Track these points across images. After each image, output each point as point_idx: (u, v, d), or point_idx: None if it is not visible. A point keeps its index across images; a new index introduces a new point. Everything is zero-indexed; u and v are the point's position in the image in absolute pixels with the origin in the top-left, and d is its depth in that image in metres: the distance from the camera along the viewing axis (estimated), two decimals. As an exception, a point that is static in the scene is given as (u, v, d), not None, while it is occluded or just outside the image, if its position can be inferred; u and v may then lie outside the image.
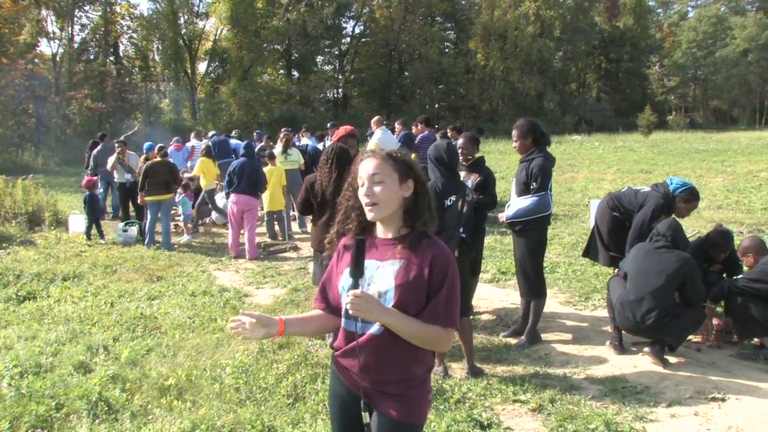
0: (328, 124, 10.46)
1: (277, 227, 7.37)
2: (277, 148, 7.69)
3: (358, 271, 1.41)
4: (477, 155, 4.02)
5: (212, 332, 3.89)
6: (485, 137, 23.03)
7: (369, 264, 1.42)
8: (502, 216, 3.63)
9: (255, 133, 9.25)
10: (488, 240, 6.22)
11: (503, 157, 16.16)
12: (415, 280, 1.36)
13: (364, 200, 1.42)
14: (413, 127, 7.64)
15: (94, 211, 7.19)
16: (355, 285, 1.39)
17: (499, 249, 6.17)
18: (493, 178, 4.02)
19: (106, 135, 9.20)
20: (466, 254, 3.12)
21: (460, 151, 3.71)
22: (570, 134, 25.30)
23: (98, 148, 8.97)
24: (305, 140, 9.16)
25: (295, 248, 6.72)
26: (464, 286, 2.98)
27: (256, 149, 8.02)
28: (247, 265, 6.04)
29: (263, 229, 7.66)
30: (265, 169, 7.00)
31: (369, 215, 1.42)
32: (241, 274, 5.70)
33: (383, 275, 1.40)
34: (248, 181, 6.24)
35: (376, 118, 7.40)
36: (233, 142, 10.35)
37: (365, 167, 1.44)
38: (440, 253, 1.38)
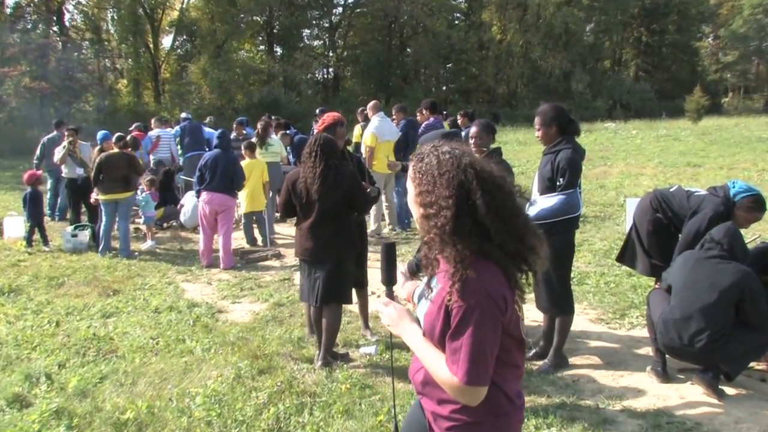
0: (317, 111, 10.48)
1: (257, 231, 7.42)
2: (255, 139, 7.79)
3: (388, 279, 1.46)
4: (492, 146, 4.05)
5: (179, 355, 3.88)
6: (501, 125, 23.15)
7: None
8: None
9: (236, 123, 9.25)
10: None
11: (523, 149, 16.23)
12: (438, 308, 1.36)
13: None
14: (418, 114, 7.68)
15: (37, 212, 7.16)
16: (389, 294, 1.49)
17: None
18: (512, 173, 4.01)
19: (63, 122, 9.17)
20: None
21: (472, 141, 3.76)
22: (602, 121, 25.36)
23: (48, 136, 8.98)
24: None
25: (278, 256, 6.73)
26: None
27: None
28: (221, 276, 6.05)
29: (240, 233, 7.70)
30: (244, 163, 7.04)
31: None
32: (214, 286, 5.71)
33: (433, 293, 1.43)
34: (223, 176, 6.25)
35: (372, 103, 7.40)
36: (206, 130, 10.38)
37: None
38: (467, 285, 1.34)
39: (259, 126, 7.84)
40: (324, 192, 3.44)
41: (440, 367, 1.34)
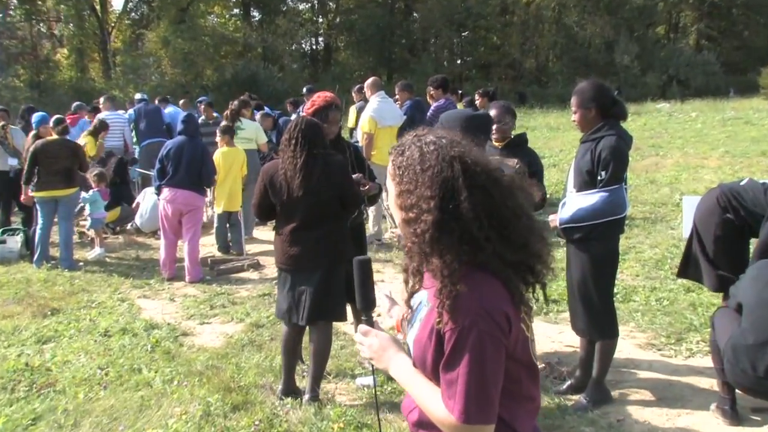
0: (304, 90, 10.53)
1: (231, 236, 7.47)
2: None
3: (365, 302, 1.47)
4: (515, 132, 4.04)
5: (134, 389, 3.91)
6: (529, 106, 23.25)
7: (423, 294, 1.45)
8: (554, 219, 3.68)
9: (204, 104, 9.31)
10: None
11: (555, 136, 16.27)
12: (428, 333, 1.37)
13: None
14: (428, 95, 7.73)
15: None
16: (368, 320, 1.50)
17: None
18: (540, 165, 4.01)
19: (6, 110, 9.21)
20: None
21: (494, 126, 3.82)
22: (654, 101, 25.32)
23: None
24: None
25: (257, 266, 6.78)
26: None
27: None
28: (187, 291, 6.08)
29: (210, 238, 7.75)
30: (220, 152, 7.10)
31: None
32: (178, 303, 5.74)
33: (419, 315, 1.45)
34: (188, 169, 6.30)
35: (371, 80, 7.43)
36: (168, 111, 10.47)
37: None
38: (461, 302, 1.35)
39: (231, 105, 7.92)
40: (309, 188, 3.48)
41: (435, 403, 1.33)
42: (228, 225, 7.44)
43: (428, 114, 7.42)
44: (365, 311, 1.50)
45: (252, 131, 7.87)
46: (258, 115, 9.20)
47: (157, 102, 11.05)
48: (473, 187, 1.34)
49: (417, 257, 1.38)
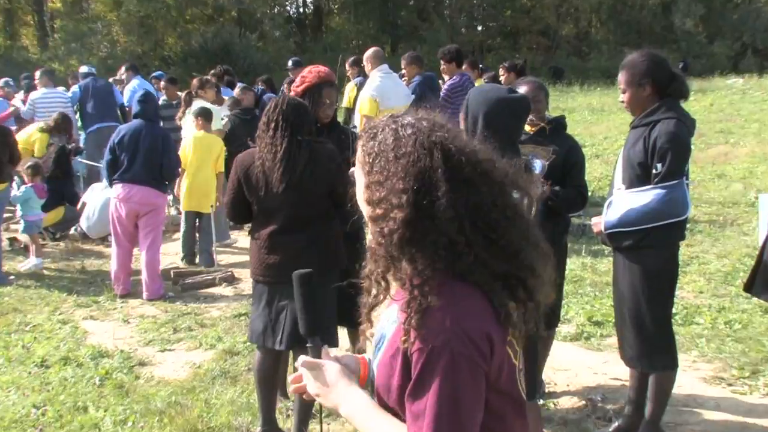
0: (289, 63, 10.56)
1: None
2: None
3: (308, 325, 1.48)
4: (551, 115, 4.05)
5: (78, 431, 3.92)
6: (566, 83, 23.22)
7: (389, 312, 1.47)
8: (598, 223, 3.71)
9: (165, 81, 9.35)
10: (571, 265, 6.27)
11: (598, 119, 16.29)
12: (392, 355, 1.38)
13: None
14: (442, 69, 7.77)
15: None
16: (313, 347, 1.49)
17: (589, 281, 6.22)
18: (581, 155, 4.03)
19: None
20: None
21: None
22: (724, 75, 25.21)
23: None
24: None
25: (230, 279, 6.82)
26: (531, 347, 3.02)
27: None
28: (144, 311, 6.09)
29: (174, 244, 7.73)
30: (189, 138, 7.11)
31: None
32: (133, 326, 5.76)
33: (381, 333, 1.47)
34: (147, 160, 6.33)
35: (371, 51, 7.45)
36: (133, 85, 10.35)
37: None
38: (431, 320, 1.33)
39: (193, 82, 8.01)
40: (291, 181, 3.52)
41: None
42: (196, 229, 7.48)
43: (443, 92, 7.44)
44: (309, 336, 1.50)
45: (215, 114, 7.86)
46: (237, 90, 9.18)
47: (122, 73, 11.02)
48: (455, 181, 1.34)
49: (383, 262, 1.38)
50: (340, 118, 7.96)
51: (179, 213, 8.02)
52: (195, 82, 8.24)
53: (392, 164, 1.37)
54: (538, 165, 3.70)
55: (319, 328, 1.50)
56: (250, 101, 8.75)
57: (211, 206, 7.33)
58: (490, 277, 1.35)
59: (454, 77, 7.53)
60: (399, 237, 1.34)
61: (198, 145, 7.14)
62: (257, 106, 8.68)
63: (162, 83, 9.53)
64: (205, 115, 7.29)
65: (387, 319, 1.44)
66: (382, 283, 1.40)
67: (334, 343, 3.78)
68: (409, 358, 1.31)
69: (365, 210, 1.43)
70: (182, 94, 7.95)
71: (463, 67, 8.22)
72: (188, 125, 7.72)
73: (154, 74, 10.56)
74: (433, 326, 1.29)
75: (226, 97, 8.88)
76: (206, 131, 7.28)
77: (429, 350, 1.28)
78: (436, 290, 1.31)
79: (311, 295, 1.48)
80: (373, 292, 1.42)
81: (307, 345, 1.54)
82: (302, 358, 1.50)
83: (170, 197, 7.79)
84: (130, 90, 10.28)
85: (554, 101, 16.81)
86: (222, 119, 8.08)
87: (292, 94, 4.08)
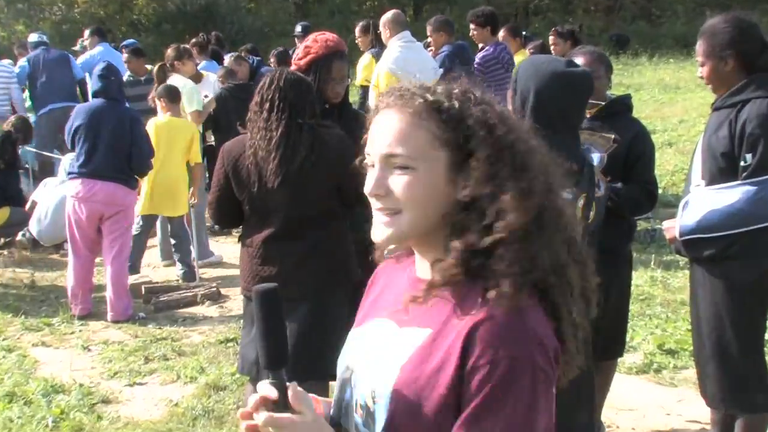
0: (298, 28, 10.57)
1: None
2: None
3: (270, 355, 1.47)
4: (612, 94, 4.09)
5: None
6: (631, 54, 22.95)
7: (372, 326, 1.59)
8: (671, 228, 3.72)
9: (128, 51, 9.40)
10: (637, 280, 6.21)
11: (672, 99, 16.14)
12: (431, 377, 1.43)
13: (371, 202, 1.57)
14: (473, 35, 7.83)
15: None
16: (276, 382, 1.48)
17: (659, 300, 6.22)
18: (649, 144, 4.05)
19: None
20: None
21: None
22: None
23: None
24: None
25: (215, 297, 6.86)
26: (585, 381, 3.00)
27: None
28: (109, 335, 6.11)
29: (149, 254, 7.74)
30: (151, 124, 7.10)
31: (376, 232, 1.56)
32: (95, 354, 5.78)
33: (385, 359, 1.51)
34: (111, 149, 6.33)
35: (390, 15, 7.47)
36: (82, 61, 10.43)
37: (378, 131, 1.55)
38: (508, 326, 1.40)
39: (168, 53, 8.04)
40: (290, 174, 3.53)
41: None
42: (147, 236, 7.52)
43: (477, 63, 7.52)
44: (271, 368, 1.49)
45: (185, 93, 7.82)
46: (228, 59, 9.19)
47: (84, 40, 11.08)
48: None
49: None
50: (353, 98, 8.03)
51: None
52: (170, 51, 8.21)
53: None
54: (596, 157, 3.71)
55: (283, 357, 1.49)
56: (244, 74, 8.69)
57: (191, 205, 7.38)
58: (545, 273, 1.45)
59: (488, 47, 7.58)
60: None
61: (161, 132, 7.04)
62: (252, 80, 8.68)
63: (124, 55, 9.44)
64: (169, 95, 7.23)
65: (416, 319, 1.51)
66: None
67: (328, 379, 3.74)
68: (468, 374, 1.37)
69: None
70: (155, 68, 7.94)
71: (500, 35, 8.24)
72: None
73: (125, 43, 10.49)
74: (508, 333, 1.37)
75: (206, 73, 8.87)
76: (173, 114, 7.24)
77: (508, 363, 1.35)
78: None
79: (272, 315, 1.49)
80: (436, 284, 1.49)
81: (268, 380, 1.50)
82: (257, 396, 1.49)
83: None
84: (85, 60, 10.33)
85: (617, 76, 16.33)
86: (205, 97, 8.08)
87: (293, 68, 4.10)
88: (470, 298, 1.44)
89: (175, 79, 7.76)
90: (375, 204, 1.53)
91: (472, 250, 1.45)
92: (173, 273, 7.57)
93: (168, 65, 7.98)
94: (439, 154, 1.48)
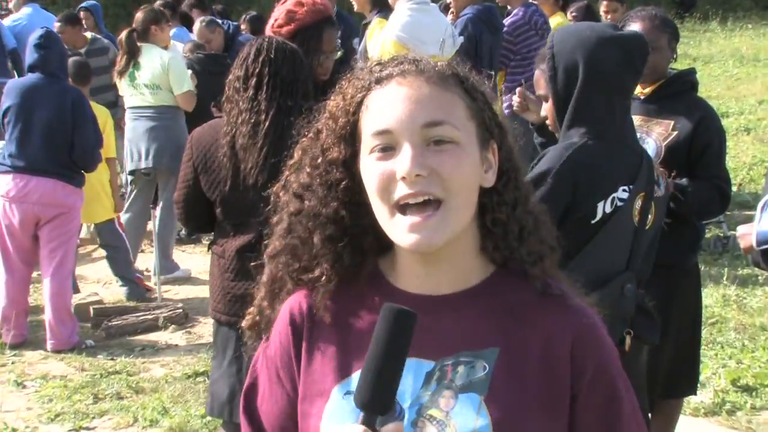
0: None
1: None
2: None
3: (375, 392, 1.45)
4: (674, 69, 4.19)
5: None
6: (697, 19, 22.70)
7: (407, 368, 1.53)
8: (746, 234, 3.69)
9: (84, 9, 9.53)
10: (707, 299, 6.19)
11: (750, 74, 16.18)
12: (533, 395, 1.56)
13: (403, 191, 1.54)
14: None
15: None
16: (368, 423, 1.46)
17: (733, 324, 6.25)
18: (719, 131, 4.15)
19: None
20: (647, 338, 3.40)
21: None
22: None
23: None
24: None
25: (181, 321, 6.98)
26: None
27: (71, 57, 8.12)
28: (49, 368, 6.21)
29: (97, 268, 7.96)
30: (97, 108, 7.22)
31: (416, 234, 1.54)
32: (31, 391, 5.85)
33: (460, 402, 1.56)
34: (49, 138, 6.46)
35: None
36: (23, 14, 10.60)
37: (399, 102, 1.57)
38: (588, 326, 1.63)
39: (138, 16, 8.06)
40: (277, 172, 3.52)
41: None
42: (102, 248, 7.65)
43: (506, 31, 7.66)
44: (370, 411, 1.47)
45: (156, 72, 7.93)
46: (199, 25, 9.21)
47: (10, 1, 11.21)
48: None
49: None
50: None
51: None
52: (141, 14, 8.14)
53: None
54: (651, 148, 3.83)
55: (390, 401, 1.48)
56: (219, 44, 8.70)
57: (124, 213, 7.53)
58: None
59: (516, 11, 7.71)
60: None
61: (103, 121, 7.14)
62: (227, 51, 8.75)
63: (57, 24, 9.29)
64: (78, 73, 7.28)
65: (452, 343, 1.59)
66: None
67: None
68: (578, 390, 1.57)
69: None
70: (122, 37, 7.94)
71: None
72: (127, 88, 7.91)
73: (83, 5, 10.61)
74: (601, 332, 1.64)
75: (173, 42, 8.84)
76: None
77: (617, 371, 1.62)
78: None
79: (398, 344, 1.45)
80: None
81: (361, 421, 1.48)
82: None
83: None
84: (11, 25, 10.45)
85: (681, 46, 15.87)
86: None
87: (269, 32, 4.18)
88: (513, 296, 1.61)
89: (149, 52, 7.87)
90: (403, 191, 1.52)
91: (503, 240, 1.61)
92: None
93: (139, 31, 7.93)
94: (472, 126, 1.58)
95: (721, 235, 7.59)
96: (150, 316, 6.96)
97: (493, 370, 1.55)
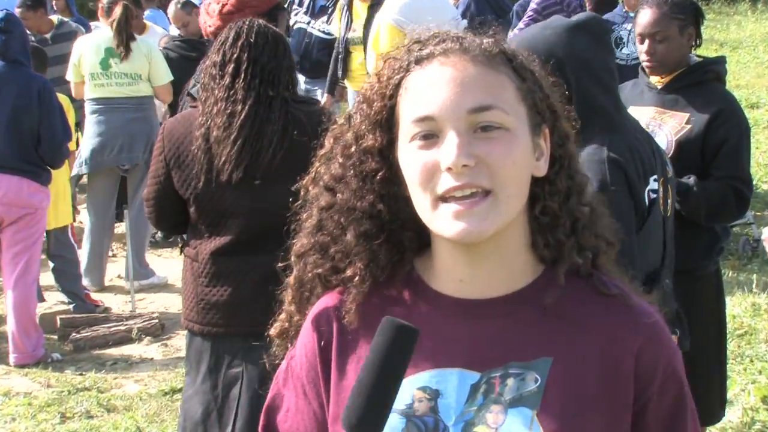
0: None
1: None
2: (87, 42, 7.90)
3: (364, 416, 1.41)
4: (697, 56, 4.10)
5: None
6: (725, 1, 22.93)
7: (446, 377, 1.56)
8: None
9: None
10: (734, 309, 6.28)
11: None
12: (592, 408, 1.53)
13: (448, 183, 1.51)
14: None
15: None
16: None
17: (764, 335, 6.20)
18: (740, 124, 4.04)
19: None
20: (680, 342, 3.31)
21: (643, 45, 4.00)
22: None
23: None
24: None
25: (156, 332, 6.88)
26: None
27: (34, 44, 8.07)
28: (13, 384, 6.13)
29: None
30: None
31: (463, 223, 1.50)
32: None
33: (511, 418, 1.52)
34: (11, 131, 6.37)
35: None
36: None
37: (444, 85, 1.53)
38: (653, 327, 1.58)
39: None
40: (255, 168, 3.60)
41: None
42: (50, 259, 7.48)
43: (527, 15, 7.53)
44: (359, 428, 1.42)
45: (140, 60, 7.88)
46: (171, 8, 9.23)
47: None
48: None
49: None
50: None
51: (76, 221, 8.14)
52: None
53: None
54: (662, 140, 3.80)
55: (380, 420, 1.41)
56: (196, 27, 8.62)
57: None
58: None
59: None
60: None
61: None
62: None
63: (18, 9, 9.12)
64: (39, 56, 7.23)
65: (499, 353, 1.56)
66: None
67: None
68: (646, 403, 1.53)
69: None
70: (118, 15, 7.75)
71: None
72: (98, 77, 7.75)
73: None
74: (670, 338, 1.63)
75: (150, 24, 9.00)
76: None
77: (683, 374, 1.60)
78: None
79: (396, 362, 1.40)
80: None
81: None
82: None
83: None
84: None
85: (706, 30, 16.27)
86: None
87: (211, 28, 4.21)
88: (566, 297, 1.56)
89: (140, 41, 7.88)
90: (449, 184, 1.47)
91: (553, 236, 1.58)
92: (101, 300, 7.59)
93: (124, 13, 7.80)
94: (523, 109, 1.53)
95: (750, 237, 7.53)
96: (123, 328, 6.88)
97: (546, 383, 1.52)
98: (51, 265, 7.49)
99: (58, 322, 6.92)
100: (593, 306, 1.57)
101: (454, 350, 1.54)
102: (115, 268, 8.41)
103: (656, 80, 4.03)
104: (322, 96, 8.96)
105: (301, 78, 8.74)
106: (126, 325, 6.85)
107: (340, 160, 1.65)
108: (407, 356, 1.40)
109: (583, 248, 1.59)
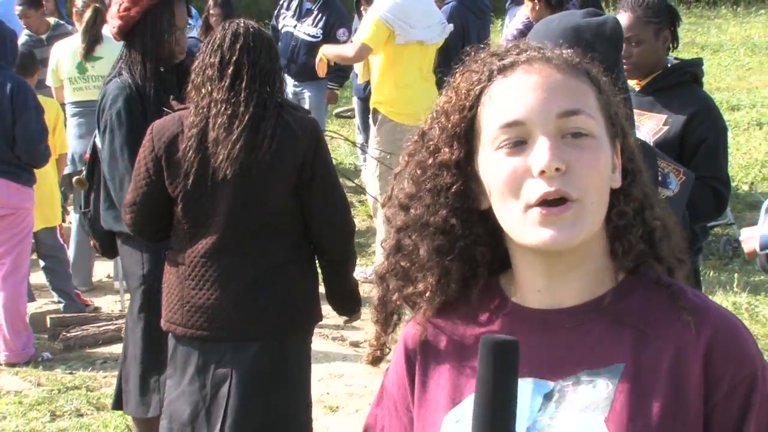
0: None
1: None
2: (63, 48, 7.89)
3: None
4: (674, 58, 4.18)
5: None
6: (706, 3, 22.54)
7: (520, 387, 1.46)
8: (750, 238, 3.75)
9: None
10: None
11: (763, 64, 16.14)
12: (662, 414, 1.50)
13: (541, 189, 1.48)
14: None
15: None
16: None
17: None
18: (716, 125, 4.11)
19: None
20: None
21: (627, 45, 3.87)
22: None
23: None
24: None
25: None
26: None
27: (21, 41, 8.17)
28: (3, 383, 6.15)
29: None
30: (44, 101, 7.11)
31: (554, 233, 1.49)
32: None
33: (577, 422, 1.51)
34: None
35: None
36: None
37: (530, 90, 1.53)
38: (729, 330, 1.55)
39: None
40: (249, 165, 3.58)
41: None
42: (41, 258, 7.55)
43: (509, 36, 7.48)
44: None
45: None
46: None
47: None
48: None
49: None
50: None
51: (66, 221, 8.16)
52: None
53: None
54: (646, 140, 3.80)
55: None
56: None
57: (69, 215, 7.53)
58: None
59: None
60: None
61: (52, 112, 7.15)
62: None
63: (18, 7, 9.18)
64: (19, 64, 7.15)
65: (569, 361, 1.56)
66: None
67: None
68: (718, 391, 1.50)
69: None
70: (88, 17, 7.60)
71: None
72: (75, 81, 7.75)
73: None
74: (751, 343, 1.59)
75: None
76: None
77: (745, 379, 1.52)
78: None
79: (504, 384, 1.38)
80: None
81: None
82: None
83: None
84: None
85: (687, 33, 16.49)
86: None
87: (114, 30, 4.21)
88: (642, 305, 1.56)
89: (109, 42, 7.43)
90: (541, 189, 1.46)
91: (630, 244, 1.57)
92: (91, 300, 7.62)
93: (92, 19, 7.68)
94: (602, 120, 1.54)
95: (731, 237, 7.56)
96: (112, 327, 6.91)
97: (617, 388, 1.50)
98: (42, 264, 7.48)
99: (48, 321, 6.94)
100: (669, 315, 1.54)
101: (529, 360, 1.48)
102: (105, 268, 8.33)
103: (634, 83, 4.03)
104: (308, 99, 9.12)
105: (289, 81, 8.80)
106: (116, 324, 6.85)
107: (415, 177, 1.64)
108: (515, 368, 1.37)
109: (662, 259, 1.60)
